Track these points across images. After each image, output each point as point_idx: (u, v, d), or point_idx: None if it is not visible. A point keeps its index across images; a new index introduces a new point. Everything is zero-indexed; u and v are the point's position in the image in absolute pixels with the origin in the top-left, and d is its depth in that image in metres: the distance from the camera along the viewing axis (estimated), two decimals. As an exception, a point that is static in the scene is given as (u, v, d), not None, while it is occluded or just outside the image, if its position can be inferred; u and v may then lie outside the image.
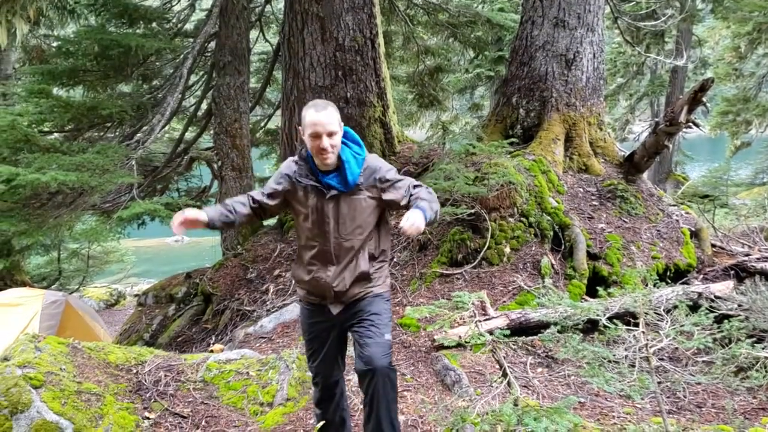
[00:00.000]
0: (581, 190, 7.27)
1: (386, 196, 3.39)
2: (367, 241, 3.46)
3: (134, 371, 4.32)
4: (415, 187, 3.38)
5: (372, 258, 3.49)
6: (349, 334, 3.55)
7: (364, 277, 3.45)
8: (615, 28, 13.96)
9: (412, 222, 3.07)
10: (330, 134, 3.21)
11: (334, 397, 3.64)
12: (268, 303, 7.03)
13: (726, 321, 3.89)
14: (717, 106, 20.18)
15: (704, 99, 6.67)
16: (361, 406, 3.52)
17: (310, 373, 4.48)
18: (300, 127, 3.32)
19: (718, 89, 23.11)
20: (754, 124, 19.59)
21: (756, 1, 17.16)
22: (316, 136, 3.20)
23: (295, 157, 3.49)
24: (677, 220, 7.03)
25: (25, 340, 4.10)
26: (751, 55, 19.30)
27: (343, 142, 3.37)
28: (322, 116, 3.21)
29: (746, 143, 20.37)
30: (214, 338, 7.09)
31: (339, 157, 3.31)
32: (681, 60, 16.27)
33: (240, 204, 3.47)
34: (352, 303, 3.46)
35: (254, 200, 3.50)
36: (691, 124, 6.84)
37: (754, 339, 4.20)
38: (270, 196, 3.46)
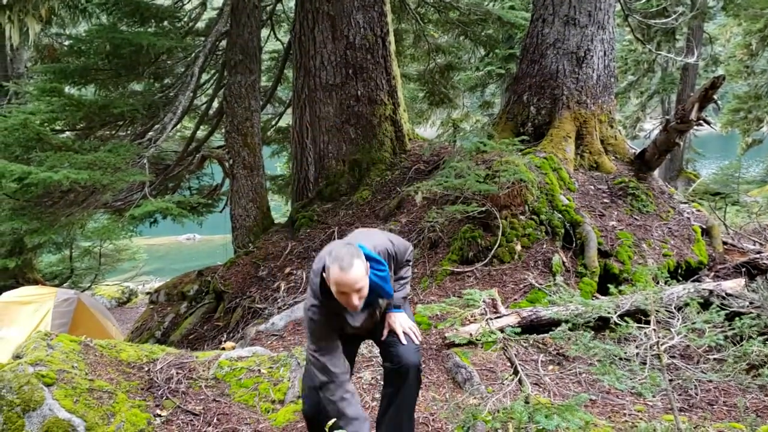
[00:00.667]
0: (592, 187, 7.25)
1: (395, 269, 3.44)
2: None
3: (146, 369, 4.34)
4: (403, 271, 3.52)
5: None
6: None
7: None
8: (626, 25, 13.92)
9: (403, 327, 3.37)
10: (358, 291, 2.97)
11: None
12: (279, 301, 7.05)
13: (737, 318, 3.88)
14: (728, 103, 20.10)
15: (715, 96, 6.64)
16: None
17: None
18: (325, 275, 3.04)
19: (730, 87, 23.01)
20: (766, 121, 19.49)
21: (767, -2, 17.09)
22: (344, 294, 2.97)
23: (320, 298, 3.16)
24: (688, 218, 7.00)
25: (37, 338, 4.13)
26: (762, 52, 19.20)
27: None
28: (348, 277, 2.93)
29: (758, 141, 20.27)
30: (225, 336, 7.12)
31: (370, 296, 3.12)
32: (692, 57, 16.18)
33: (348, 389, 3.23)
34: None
35: (340, 368, 3.24)
36: (702, 121, 6.81)
37: (766, 337, 4.19)
38: (337, 346, 3.24)
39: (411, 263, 3.63)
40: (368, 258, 3.11)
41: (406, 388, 3.34)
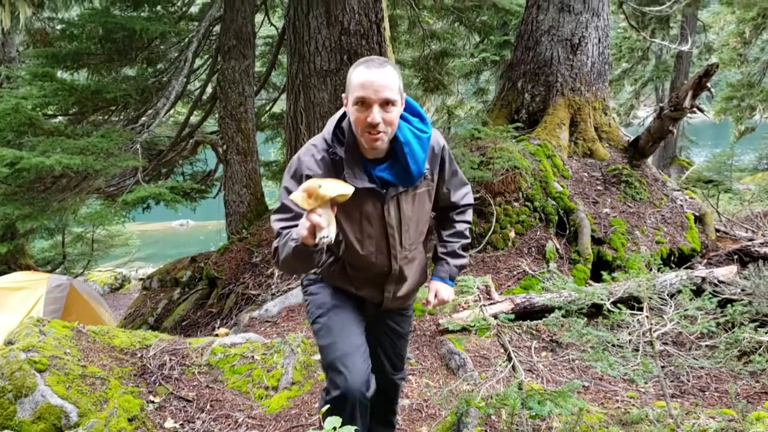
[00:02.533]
0: (586, 174, 7.26)
1: (442, 196, 2.82)
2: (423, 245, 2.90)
3: (139, 355, 4.34)
4: (464, 207, 2.93)
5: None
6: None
7: (418, 289, 2.97)
8: (620, 12, 13.90)
9: (442, 298, 2.85)
10: (386, 103, 2.33)
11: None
12: (272, 287, 7.05)
13: (729, 305, 3.90)
14: (721, 91, 20.09)
15: (709, 84, 6.65)
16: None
17: (315, 357, 4.51)
18: (344, 95, 2.47)
19: (723, 74, 23.02)
20: (759, 109, 19.50)
21: (761, -14, 17.09)
22: (365, 104, 2.31)
23: (320, 142, 2.56)
24: (681, 205, 7.02)
25: (30, 323, 4.12)
26: (755, 40, 19.19)
27: (405, 119, 2.54)
28: (376, 75, 2.32)
29: (750, 128, 20.27)
30: (218, 322, 7.11)
31: (395, 138, 2.46)
32: (686, 45, 16.16)
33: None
34: (392, 313, 2.96)
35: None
36: (695, 109, 6.81)
37: (757, 323, 4.21)
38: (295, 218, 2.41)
39: (471, 209, 3.01)
40: (410, 107, 2.58)
41: (395, 392, 3.21)
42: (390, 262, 2.69)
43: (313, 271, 2.86)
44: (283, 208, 2.49)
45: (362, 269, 2.71)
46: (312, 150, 2.56)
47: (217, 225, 15.80)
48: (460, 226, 2.95)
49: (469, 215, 2.98)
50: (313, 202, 2.10)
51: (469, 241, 3.00)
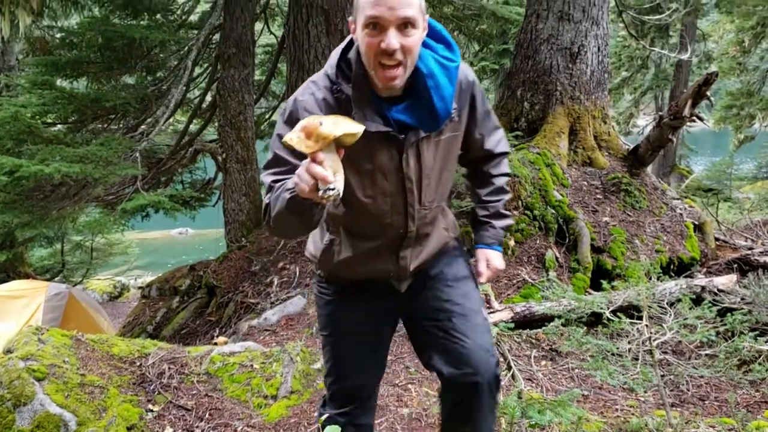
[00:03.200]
0: (585, 183, 7.26)
1: (474, 144, 2.39)
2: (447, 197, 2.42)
3: (138, 364, 4.33)
4: (500, 156, 2.50)
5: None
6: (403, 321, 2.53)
7: (443, 245, 2.43)
8: (620, 21, 13.91)
9: (495, 267, 2.48)
10: (404, 24, 1.88)
11: (371, 413, 2.63)
12: (272, 295, 7.04)
13: (729, 314, 3.90)
14: (721, 100, 20.13)
15: (708, 93, 6.65)
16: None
17: (314, 366, 4.50)
18: (350, 20, 2.06)
19: (722, 83, 23.04)
20: (758, 118, 19.54)
21: (760, -5, 17.13)
22: (378, 25, 1.88)
23: (321, 79, 2.13)
24: (681, 214, 7.02)
25: (29, 332, 4.10)
26: (755, 49, 19.24)
27: (428, 46, 2.08)
28: None
29: (750, 137, 20.32)
30: (217, 331, 7.10)
31: (416, 70, 2.00)
32: (685, 54, 16.22)
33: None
34: (424, 270, 2.39)
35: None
36: (695, 117, 6.82)
37: (757, 332, 4.21)
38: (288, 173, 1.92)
39: (507, 157, 2.57)
40: (434, 31, 2.12)
41: (483, 411, 2.33)
42: (407, 223, 2.21)
43: (318, 271, 2.47)
44: (277, 160, 2.02)
45: (371, 236, 2.25)
46: (311, 88, 2.11)
47: (217, 233, 15.78)
48: (499, 181, 2.51)
49: (506, 165, 2.54)
50: (313, 143, 1.67)
51: (510, 195, 2.72)
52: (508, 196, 2.56)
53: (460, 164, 2.47)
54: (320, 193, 1.68)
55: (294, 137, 1.68)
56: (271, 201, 1.94)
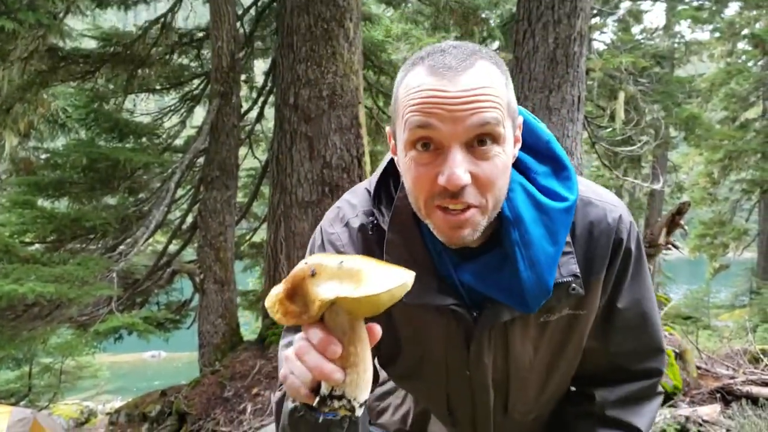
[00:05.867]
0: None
1: (591, 344, 1.45)
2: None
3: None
4: (641, 383, 1.48)
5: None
6: None
7: None
8: (593, 152, 14.41)
9: None
10: (479, 139, 1.16)
11: None
12: (245, 423, 6.80)
13: (717, 447, 3.80)
14: (695, 229, 20.59)
15: (682, 222, 6.81)
16: None
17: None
18: (388, 130, 1.34)
19: (695, 212, 23.65)
20: (731, 247, 19.93)
21: (725, 131, 17.93)
22: (431, 144, 1.16)
23: (363, 199, 1.41)
24: (662, 342, 6.98)
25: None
26: (724, 180, 19.89)
27: (517, 167, 1.32)
28: (455, 78, 1.13)
29: (725, 266, 20.62)
30: (186, 460, 6.80)
31: (501, 214, 1.25)
32: (658, 184, 16.70)
33: None
34: None
35: None
36: (670, 246, 6.93)
37: (747, 466, 4.09)
38: None
39: (657, 397, 1.54)
40: (534, 140, 1.37)
41: None
42: (476, 423, 1.48)
43: None
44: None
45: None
46: (346, 212, 1.40)
47: (190, 356, 15.41)
48: (640, 420, 1.46)
49: (649, 412, 1.50)
50: (300, 310, 0.99)
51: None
52: None
53: None
54: (318, 402, 1.01)
55: (272, 296, 1.03)
56: (277, 403, 1.34)
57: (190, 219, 11.59)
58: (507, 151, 1.19)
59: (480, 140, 1.14)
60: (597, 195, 1.38)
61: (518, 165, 1.32)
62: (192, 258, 11.84)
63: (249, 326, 13.78)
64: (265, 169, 11.39)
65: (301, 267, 0.99)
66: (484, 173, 1.15)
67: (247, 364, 7.96)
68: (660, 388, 1.50)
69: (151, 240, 11.27)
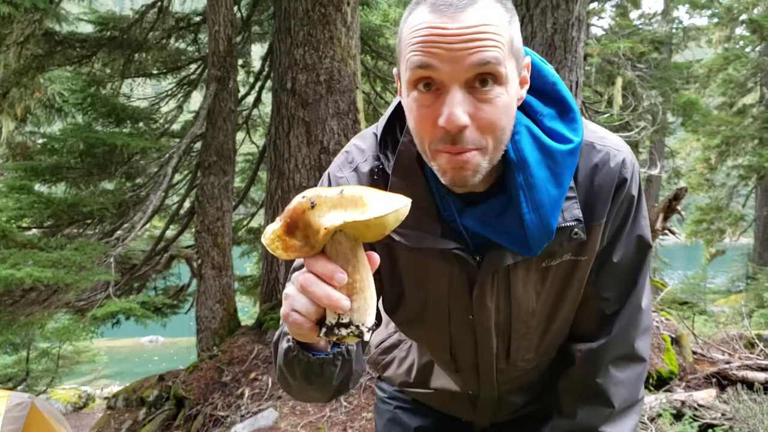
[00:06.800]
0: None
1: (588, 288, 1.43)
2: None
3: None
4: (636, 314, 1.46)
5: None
6: None
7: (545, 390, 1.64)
8: (591, 137, 14.34)
9: None
10: (480, 78, 1.13)
11: None
12: (242, 408, 6.83)
13: (710, 430, 3.82)
14: (691, 214, 20.63)
15: (679, 207, 6.81)
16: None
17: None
18: (394, 71, 1.29)
19: (692, 198, 23.69)
20: (728, 232, 19.97)
21: (723, 116, 17.92)
22: (432, 83, 1.14)
23: (371, 144, 1.40)
24: (658, 327, 7.01)
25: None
26: (721, 166, 19.90)
27: (523, 109, 1.31)
28: (456, 16, 1.09)
29: (721, 251, 20.69)
30: (184, 444, 6.84)
31: (506, 156, 1.25)
32: (655, 169, 16.73)
33: None
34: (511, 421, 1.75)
35: None
36: (667, 231, 6.94)
37: (741, 450, 4.12)
38: None
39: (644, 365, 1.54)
40: (541, 83, 1.33)
41: None
42: (479, 385, 1.55)
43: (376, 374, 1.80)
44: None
45: (441, 365, 1.63)
46: (355, 156, 1.40)
47: (188, 342, 15.47)
48: (616, 391, 1.47)
49: (637, 369, 1.52)
50: (301, 244, 0.99)
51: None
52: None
53: None
54: (325, 332, 1.00)
55: (268, 234, 1.02)
56: (275, 342, 1.34)
57: (187, 204, 11.59)
58: (510, 92, 1.17)
59: (481, 80, 1.13)
60: (601, 138, 1.37)
61: (523, 107, 1.31)
62: (189, 243, 11.85)
63: (247, 311, 13.81)
64: (262, 154, 11.38)
65: (298, 200, 1.01)
66: (486, 115, 1.14)
67: (244, 349, 7.98)
68: (643, 355, 1.53)
69: (148, 225, 11.27)
